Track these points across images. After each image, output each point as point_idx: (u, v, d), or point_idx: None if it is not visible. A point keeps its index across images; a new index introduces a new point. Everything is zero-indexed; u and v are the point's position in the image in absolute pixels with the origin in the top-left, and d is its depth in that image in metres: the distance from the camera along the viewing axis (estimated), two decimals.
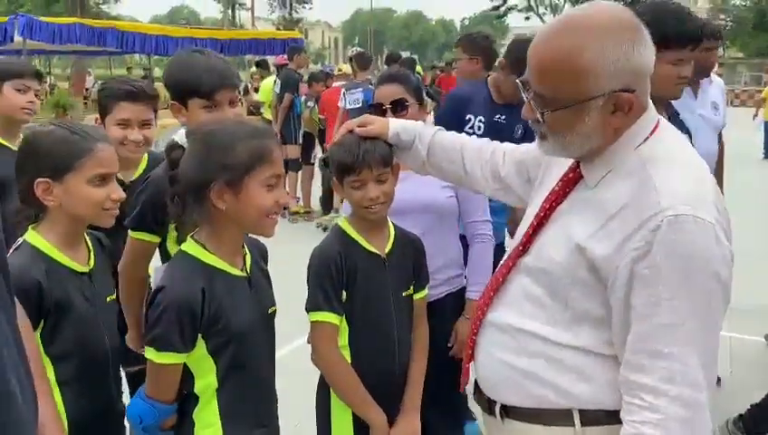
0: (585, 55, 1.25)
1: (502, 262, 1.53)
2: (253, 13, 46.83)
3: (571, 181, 1.42)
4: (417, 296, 2.03)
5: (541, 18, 51.40)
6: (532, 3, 51.58)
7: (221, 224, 1.59)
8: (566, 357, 1.35)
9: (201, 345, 1.56)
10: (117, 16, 35.85)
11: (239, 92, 2.11)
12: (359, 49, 12.47)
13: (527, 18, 53.45)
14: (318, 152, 8.14)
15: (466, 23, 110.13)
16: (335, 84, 7.86)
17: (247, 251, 1.71)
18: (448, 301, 2.39)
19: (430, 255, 2.12)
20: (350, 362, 1.89)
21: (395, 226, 2.01)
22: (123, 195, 1.70)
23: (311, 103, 7.97)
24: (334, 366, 1.89)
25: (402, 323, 1.96)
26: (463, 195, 2.36)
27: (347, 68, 8.40)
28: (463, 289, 2.45)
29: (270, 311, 1.73)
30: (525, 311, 1.42)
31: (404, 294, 1.98)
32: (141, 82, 2.39)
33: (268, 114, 8.90)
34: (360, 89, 7.10)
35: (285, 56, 8.80)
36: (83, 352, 1.63)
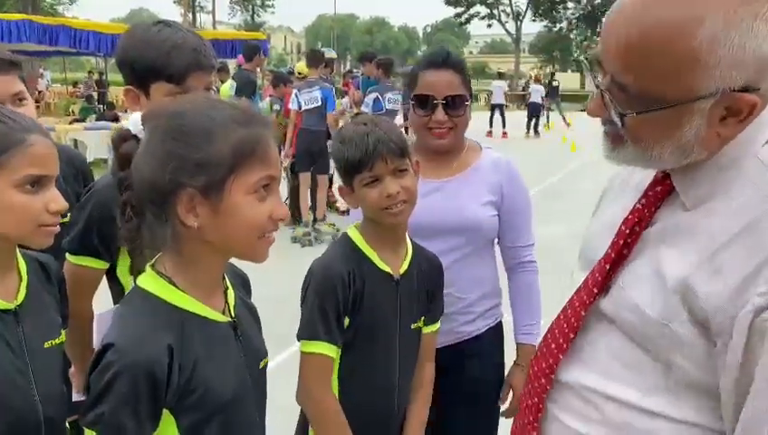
0: (700, 34, 0.88)
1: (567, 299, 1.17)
2: (214, 16, 46.11)
3: (658, 196, 1.07)
4: (426, 330, 1.70)
5: (503, 25, 51.73)
6: (494, 10, 51.85)
7: (194, 249, 1.14)
8: (662, 429, 1.02)
9: (169, 423, 1.10)
10: (72, 19, 34.73)
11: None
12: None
13: (489, 26, 53.84)
14: (282, 158, 7.66)
15: (428, 30, 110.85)
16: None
17: (229, 285, 1.26)
18: (488, 336, 1.98)
19: (467, 285, 1.81)
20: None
21: (414, 243, 1.67)
22: (66, 204, 1.28)
23: (276, 106, 7.55)
24: (326, 412, 1.55)
25: (406, 361, 1.64)
26: (507, 212, 1.93)
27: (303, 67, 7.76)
28: (500, 322, 2.04)
29: (261, 365, 1.30)
30: (613, 372, 1.07)
31: (413, 326, 1.64)
32: None
33: None
34: (317, 87, 6.78)
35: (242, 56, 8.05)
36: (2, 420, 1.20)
